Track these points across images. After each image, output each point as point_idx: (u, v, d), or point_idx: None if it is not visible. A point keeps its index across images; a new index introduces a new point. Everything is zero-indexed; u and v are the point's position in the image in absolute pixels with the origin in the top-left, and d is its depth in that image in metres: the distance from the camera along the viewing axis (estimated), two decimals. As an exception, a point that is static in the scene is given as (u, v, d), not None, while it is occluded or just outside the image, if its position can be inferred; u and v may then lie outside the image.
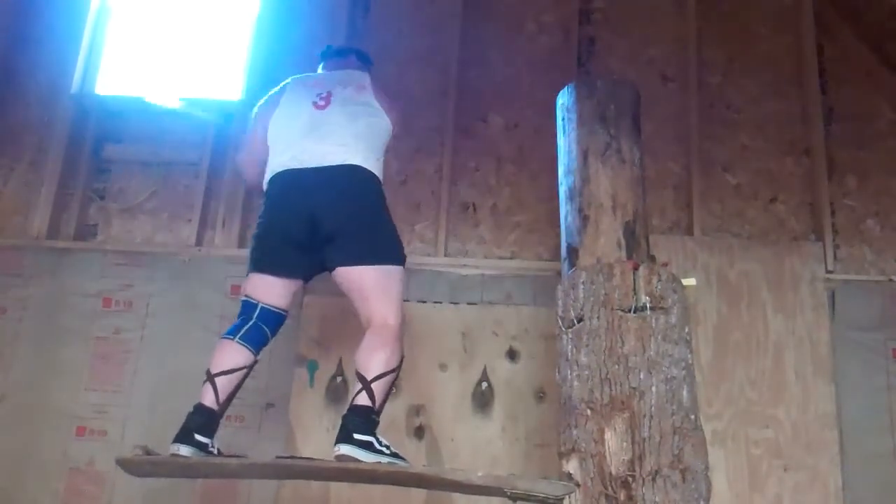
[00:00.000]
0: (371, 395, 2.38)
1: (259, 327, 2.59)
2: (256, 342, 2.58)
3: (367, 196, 2.63)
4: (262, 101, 2.91)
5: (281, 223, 2.62)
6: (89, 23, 4.29)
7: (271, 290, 2.62)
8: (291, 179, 2.62)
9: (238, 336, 2.56)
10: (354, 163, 2.62)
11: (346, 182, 2.61)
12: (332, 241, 2.54)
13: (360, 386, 2.39)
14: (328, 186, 2.59)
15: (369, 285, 2.52)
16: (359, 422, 2.35)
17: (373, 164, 2.67)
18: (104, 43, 4.33)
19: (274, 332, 2.65)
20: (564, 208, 2.60)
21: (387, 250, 2.58)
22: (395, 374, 2.46)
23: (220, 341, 2.58)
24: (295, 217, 2.58)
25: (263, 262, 2.63)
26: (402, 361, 2.50)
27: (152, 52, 4.37)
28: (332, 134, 2.66)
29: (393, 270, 2.57)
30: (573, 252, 2.49)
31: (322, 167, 2.60)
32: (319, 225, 2.54)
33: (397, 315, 2.52)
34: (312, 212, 2.55)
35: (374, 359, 2.42)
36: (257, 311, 2.60)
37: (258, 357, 2.59)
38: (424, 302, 3.72)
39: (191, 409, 2.47)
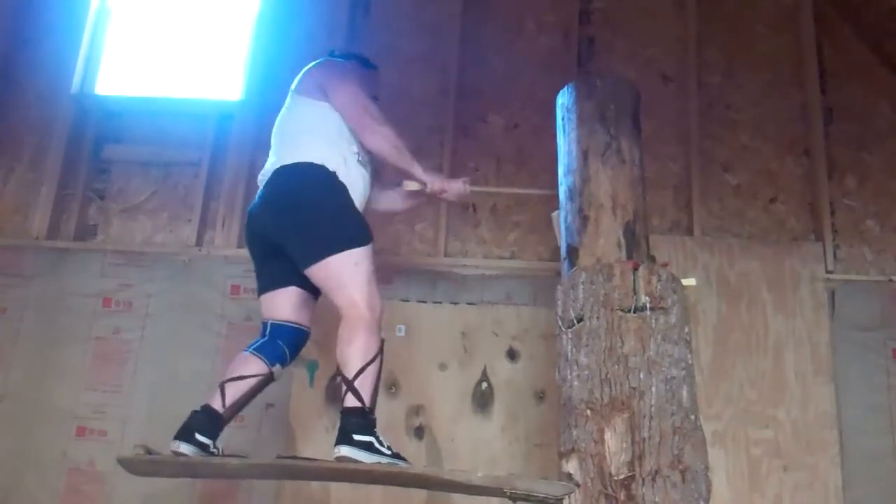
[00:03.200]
0: (358, 395, 2.36)
1: (274, 342, 2.63)
2: (270, 355, 2.60)
3: (293, 193, 2.57)
4: None
5: (251, 248, 2.76)
6: (89, 23, 4.29)
7: (274, 306, 2.68)
8: (251, 207, 2.73)
9: (251, 349, 2.61)
10: (280, 164, 2.62)
11: (272, 189, 2.62)
12: (286, 250, 2.57)
13: (345, 387, 2.38)
14: (262, 201, 2.64)
15: (327, 281, 2.50)
16: (356, 423, 2.34)
17: (306, 154, 2.59)
18: (104, 43, 4.34)
19: (292, 347, 2.66)
20: (564, 208, 2.60)
21: (332, 239, 2.50)
22: (376, 363, 2.42)
23: (237, 354, 2.65)
24: (255, 239, 2.70)
25: (259, 284, 2.75)
26: (381, 346, 2.45)
27: (152, 52, 4.37)
28: (271, 153, 2.72)
29: (349, 256, 2.49)
30: (573, 252, 2.49)
31: (261, 187, 2.67)
32: (269, 238, 2.61)
33: (366, 298, 2.46)
34: (260, 230, 2.64)
35: (349, 353, 2.40)
36: (268, 327, 2.66)
37: (273, 369, 2.59)
38: (424, 302, 3.72)
39: (197, 409, 2.48)
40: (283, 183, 2.59)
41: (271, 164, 2.67)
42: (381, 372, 2.45)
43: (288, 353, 2.64)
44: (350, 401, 2.37)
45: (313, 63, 2.82)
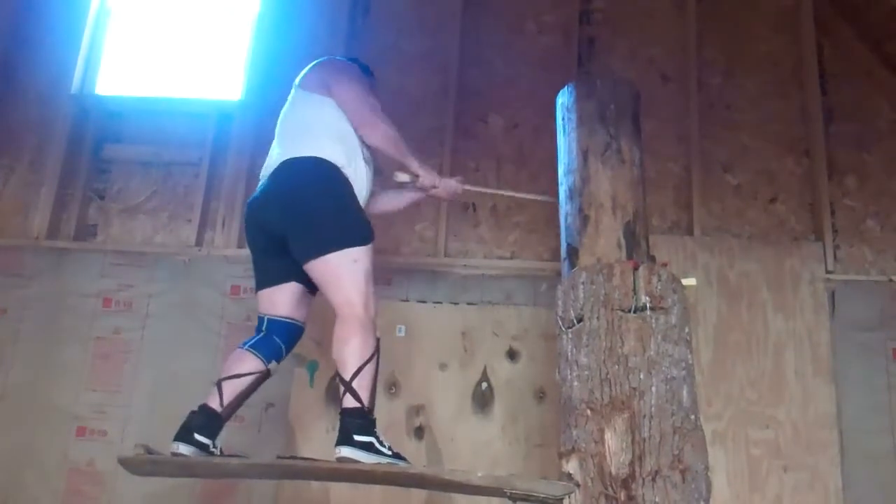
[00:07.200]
0: (356, 395, 2.36)
1: (270, 338, 2.62)
2: (266, 351, 2.59)
3: (298, 186, 2.56)
4: None
5: (251, 241, 2.73)
6: (89, 23, 4.29)
7: (272, 302, 2.66)
8: (252, 199, 2.71)
9: (247, 345, 2.60)
10: (286, 157, 2.61)
11: (277, 181, 2.61)
12: (287, 243, 2.56)
13: (343, 388, 2.38)
14: (266, 193, 2.63)
15: (325, 277, 2.49)
16: (356, 423, 2.34)
17: (314, 148, 2.59)
18: (104, 43, 4.34)
19: (288, 343, 2.65)
20: (564, 208, 2.60)
21: (333, 236, 2.50)
22: (373, 363, 2.41)
23: (233, 351, 2.64)
24: (255, 232, 2.68)
25: (257, 279, 2.72)
26: (378, 346, 2.45)
27: (152, 52, 4.37)
28: (275, 146, 2.72)
29: (348, 254, 2.48)
30: (573, 252, 2.49)
31: (265, 180, 2.67)
32: (271, 232, 2.59)
33: (363, 297, 2.46)
34: (262, 222, 2.62)
35: (346, 353, 2.39)
36: (265, 323, 2.65)
37: (270, 366, 2.59)
38: (424, 302, 3.72)
39: (195, 409, 2.48)
40: (290, 175, 2.59)
41: (276, 155, 2.66)
42: (378, 371, 2.45)
43: (284, 349, 2.64)
44: (349, 401, 2.37)
45: (318, 60, 2.84)
